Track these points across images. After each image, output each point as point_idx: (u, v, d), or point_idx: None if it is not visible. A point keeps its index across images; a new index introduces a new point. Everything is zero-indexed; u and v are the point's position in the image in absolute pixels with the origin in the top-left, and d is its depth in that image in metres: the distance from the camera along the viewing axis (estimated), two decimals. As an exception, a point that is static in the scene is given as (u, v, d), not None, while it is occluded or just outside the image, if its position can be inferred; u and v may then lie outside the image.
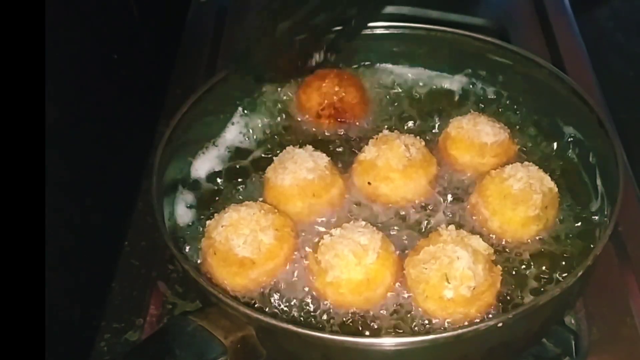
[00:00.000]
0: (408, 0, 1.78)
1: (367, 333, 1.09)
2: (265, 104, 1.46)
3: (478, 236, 1.12)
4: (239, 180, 1.33)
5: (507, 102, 1.44)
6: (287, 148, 1.27)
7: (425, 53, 1.48)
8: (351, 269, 1.09)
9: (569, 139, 1.34)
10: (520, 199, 1.17)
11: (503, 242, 1.19)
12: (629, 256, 1.36)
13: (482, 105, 1.45)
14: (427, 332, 1.07)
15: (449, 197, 1.27)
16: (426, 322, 1.09)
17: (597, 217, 1.22)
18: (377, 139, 1.28)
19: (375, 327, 1.09)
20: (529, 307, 1.01)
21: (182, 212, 1.27)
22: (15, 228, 0.85)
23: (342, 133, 1.41)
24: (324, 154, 1.26)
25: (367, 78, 1.50)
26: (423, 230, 1.22)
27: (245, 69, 1.36)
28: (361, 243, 1.10)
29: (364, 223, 1.15)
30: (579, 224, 1.22)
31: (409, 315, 1.10)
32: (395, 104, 1.46)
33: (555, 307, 1.12)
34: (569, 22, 1.91)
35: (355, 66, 1.51)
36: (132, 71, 1.62)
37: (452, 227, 1.14)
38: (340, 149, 1.38)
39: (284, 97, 1.47)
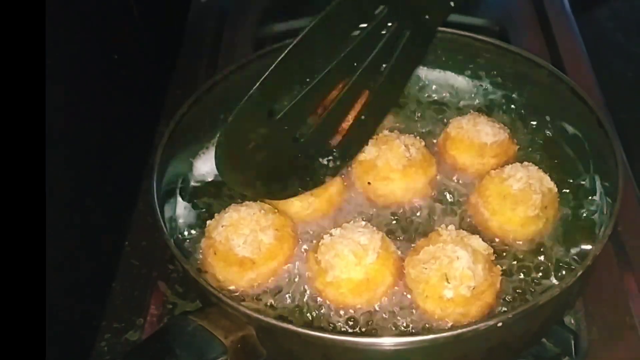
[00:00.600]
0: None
1: (367, 333, 1.09)
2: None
3: (477, 236, 1.13)
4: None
5: (507, 102, 1.44)
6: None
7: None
8: (351, 269, 1.09)
9: (569, 139, 1.34)
10: (520, 199, 1.17)
11: (503, 242, 1.19)
12: (629, 256, 1.36)
13: (482, 106, 1.45)
14: (427, 332, 1.07)
15: (449, 197, 1.27)
16: (426, 321, 1.09)
17: (596, 217, 1.22)
18: (376, 139, 1.28)
19: (375, 326, 1.10)
20: (528, 307, 1.01)
21: (183, 212, 1.28)
22: (17, 228, 0.85)
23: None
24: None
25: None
26: (423, 230, 1.22)
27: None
28: (361, 243, 1.11)
29: (364, 223, 1.16)
30: (579, 224, 1.22)
31: (408, 315, 1.10)
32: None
33: (555, 307, 1.12)
34: (569, 23, 1.92)
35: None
36: (132, 72, 1.62)
37: (451, 227, 1.15)
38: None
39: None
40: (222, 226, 1.15)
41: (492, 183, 1.20)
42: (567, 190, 1.26)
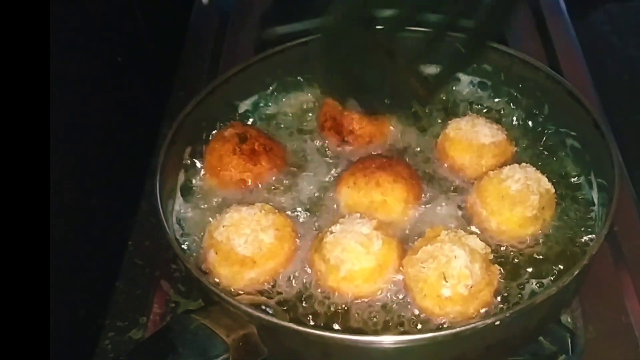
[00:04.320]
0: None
1: (366, 331, 1.09)
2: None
3: (475, 236, 1.14)
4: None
5: (505, 103, 1.45)
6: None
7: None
8: (362, 259, 1.11)
9: (566, 141, 1.35)
10: (518, 200, 1.18)
11: (501, 242, 1.20)
12: (624, 256, 1.37)
13: (480, 107, 1.46)
14: (426, 331, 1.08)
15: (448, 197, 1.27)
16: (424, 320, 1.10)
17: (593, 217, 1.23)
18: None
19: (375, 325, 1.10)
20: (526, 306, 1.02)
21: (185, 212, 1.28)
22: (21, 228, 0.86)
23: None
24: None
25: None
26: (421, 230, 1.22)
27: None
28: (364, 233, 1.12)
29: (358, 215, 1.17)
30: (575, 223, 1.23)
31: (407, 314, 1.11)
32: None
33: (552, 305, 1.12)
34: (566, 26, 1.92)
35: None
36: (135, 74, 1.62)
37: (450, 227, 1.16)
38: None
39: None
40: (223, 226, 1.16)
41: (491, 184, 1.21)
42: (565, 191, 1.27)
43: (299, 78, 1.49)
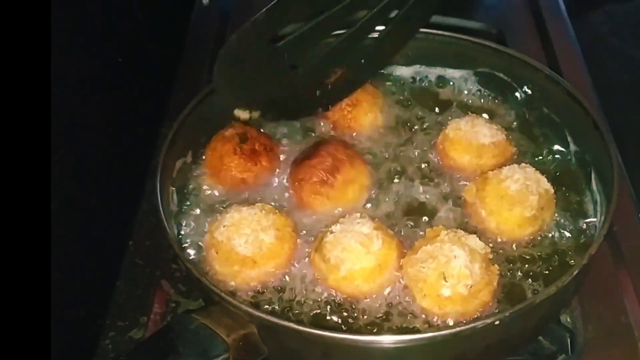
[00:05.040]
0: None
1: (366, 330, 1.10)
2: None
3: (475, 236, 1.14)
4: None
5: (504, 104, 1.45)
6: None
7: (424, 56, 1.50)
8: (362, 259, 1.11)
9: (565, 141, 1.35)
10: (517, 200, 1.18)
11: (500, 242, 1.20)
12: (624, 256, 1.37)
13: (480, 108, 1.45)
14: (426, 330, 1.08)
15: (447, 198, 1.28)
16: (424, 320, 1.10)
17: (592, 217, 1.23)
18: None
19: (375, 324, 1.11)
20: (525, 306, 1.02)
21: (186, 212, 1.28)
22: (22, 228, 0.86)
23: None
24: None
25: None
26: (421, 230, 1.23)
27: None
28: (364, 232, 1.12)
29: (358, 215, 1.17)
30: (575, 224, 1.23)
31: (407, 314, 1.11)
32: (395, 105, 1.47)
33: (551, 305, 1.13)
34: (565, 26, 1.92)
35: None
36: (136, 74, 1.62)
37: (449, 227, 1.16)
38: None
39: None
40: (223, 226, 1.16)
41: (490, 184, 1.21)
42: (564, 191, 1.27)
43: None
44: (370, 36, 1.27)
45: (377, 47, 1.25)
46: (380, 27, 1.27)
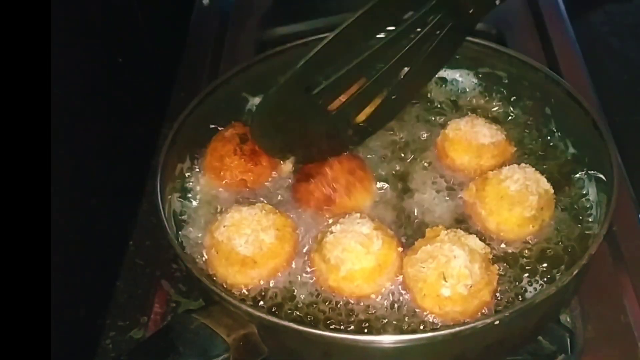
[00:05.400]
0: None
1: (367, 330, 1.10)
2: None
3: (474, 236, 1.14)
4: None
5: (504, 104, 1.45)
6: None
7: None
8: (362, 259, 1.11)
9: (565, 141, 1.35)
10: (517, 200, 1.18)
11: (500, 242, 1.20)
12: (623, 255, 1.37)
13: (479, 108, 1.46)
14: (426, 330, 1.08)
15: (447, 198, 1.28)
16: (424, 320, 1.10)
17: (592, 218, 1.23)
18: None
19: (374, 324, 1.11)
20: (525, 306, 1.03)
21: (186, 212, 1.29)
22: (23, 228, 0.86)
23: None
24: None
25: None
26: (420, 230, 1.22)
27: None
28: (364, 232, 1.12)
29: (358, 215, 1.17)
30: (574, 224, 1.23)
31: (407, 314, 1.11)
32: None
33: (551, 305, 1.13)
34: (565, 27, 1.92)
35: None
36: (136, 74, 1.63)
37: (449, 227, 1.16)
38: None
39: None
40: (224, 226, 1.16)
41: (490, 184, 1.21)
42: (563, 191, 1.27)
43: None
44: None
45: (406, 83, 1.29)
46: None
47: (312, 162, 1.28)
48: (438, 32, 1.25)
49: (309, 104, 1.18)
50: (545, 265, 1.17)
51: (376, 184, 1.31)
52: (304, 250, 1.20)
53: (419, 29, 1.23)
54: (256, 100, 1.46)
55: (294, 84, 1.14)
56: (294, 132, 1.23)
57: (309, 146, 1.27)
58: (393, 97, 1.30)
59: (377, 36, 1.19)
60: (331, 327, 1.11)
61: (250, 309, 1.03)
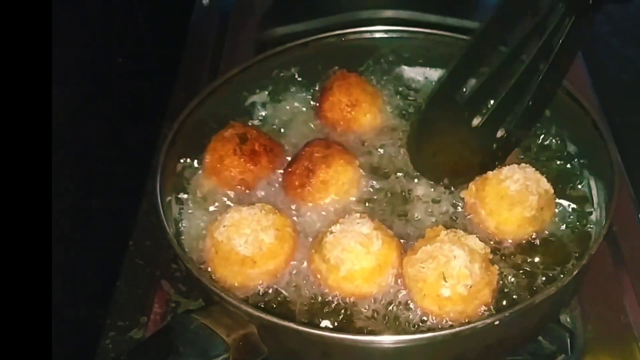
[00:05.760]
0: (407, 5, 1.79)
1: (366, 331, 1.10)
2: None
3: (474, 236, 1.14)
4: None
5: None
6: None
7: (423, 56, 1.50)
8: (362, 259, 1.11)
9: (565, 141, 1.35)
10: (517, 200, 1.18)
11: (500, 242, 1.20)
12: (623, 256, 1.37)
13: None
14: (425, 330, 1.09)
15: (447, 198, 1.28)
16: (424, 320, 1.10)
17: (592, 218, 1.24)
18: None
19: (375, 325, 1.11)
20: (525, 306, 1.02)
21: (186, 212, 1.28)
22: (23, 229, 0.86)
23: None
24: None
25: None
26: (420, 230, 1.23)
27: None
28: (363, 232, 1.12)
29: (358, 215, 1.17)
30: (574, 224, 1.23)
31: (407, 314, 1.11)
32: (394, 104, 1.47)
33: (551, 305, 1.13)
34: (565, 27, 1.92)
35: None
36: (136, 74, 1.63)
37: (449, 227, 1.16)
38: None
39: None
40: (223, 226, 1.16)
41: (490, 184, 1.21)
42: (564, 192, 1.27)
43: (298, 78, 1.49)
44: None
45: (542, 86, 1.25)
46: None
47: (463, 184, 1.27)
48: (564, 24, 1.20)
49: (457, 117, 1.19)
50: (545, 265, 1.17)
51: (358, 160, 1.32)
52: (304, 250, 1.20)
53: (544, 27, 1.20)
54: (256, 98, 1.46)
55: (443, 96, 1.15)
56: (447, 150, 1.25)
57: (459, 165, 1.28)
58: (530, 102, 1.26)
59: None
60: (331, 327, 1.11)
61: (250, 309, 1.03)
